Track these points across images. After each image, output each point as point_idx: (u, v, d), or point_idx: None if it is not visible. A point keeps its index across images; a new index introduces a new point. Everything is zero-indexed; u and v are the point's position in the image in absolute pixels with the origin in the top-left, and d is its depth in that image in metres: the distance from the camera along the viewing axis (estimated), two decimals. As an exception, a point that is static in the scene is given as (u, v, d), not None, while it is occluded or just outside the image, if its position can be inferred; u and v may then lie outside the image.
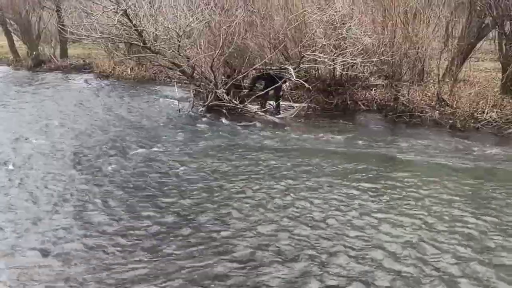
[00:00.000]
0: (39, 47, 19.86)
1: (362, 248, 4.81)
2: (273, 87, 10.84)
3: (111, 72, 17.15)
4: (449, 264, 4.48)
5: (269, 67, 11.10)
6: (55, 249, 4.84)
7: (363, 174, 6.96)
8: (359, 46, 9.40)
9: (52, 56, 19.47)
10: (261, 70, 11.24)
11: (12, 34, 20.42)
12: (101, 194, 6.30)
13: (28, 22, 19.40)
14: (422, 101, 10.88)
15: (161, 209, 5.84)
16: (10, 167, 7.33)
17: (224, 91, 11.01)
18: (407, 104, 10.61)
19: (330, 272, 4.38)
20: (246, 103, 11.00)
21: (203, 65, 10.94)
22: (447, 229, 5.19)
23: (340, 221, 5.43)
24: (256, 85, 11.45)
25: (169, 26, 10.35)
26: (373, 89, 11.83)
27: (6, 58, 21.28)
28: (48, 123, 10.07)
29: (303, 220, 5.47)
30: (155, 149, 8.35)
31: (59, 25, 18.24)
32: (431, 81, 12.06)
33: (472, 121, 9.91)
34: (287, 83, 11.53)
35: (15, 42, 20.85)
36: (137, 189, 6.50)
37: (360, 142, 8.80)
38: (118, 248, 4.86)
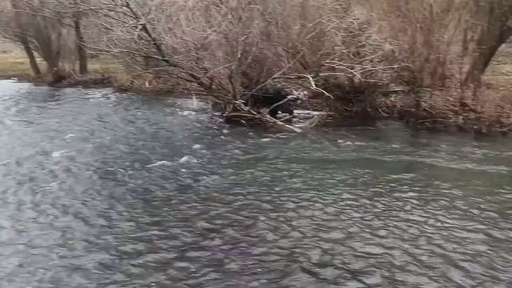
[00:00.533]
0: (59, 63, 20.19)
1: (428, 262, 4.67)
2: (276, 104, 10.84)
3: (129, 85, 17.31)
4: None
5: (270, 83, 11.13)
6: (83, 261, 4.85)
7: (393, 183, 6.85)
8: (379, 53, 9.29)
9: (72, 72, 19.78)
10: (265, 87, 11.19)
11: (33, 51, 20.81)
12: (125, 207, 6.30)
13: (48, 38, 19.74)
14: (445, 107, 10.69)
15: (187, 221, 5.80)
16: (35, 181, 7.39)
17: (243, 101, 10.99)
18: (430, 110, 10.45)
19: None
20: (264, 113, 10.95)
21: (221, 76, 10.95)
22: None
23: (392, 233, 5.31)
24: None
25: (187, 39, 10.38)
26: (394, 96, 11.69)
27: (27, 75, 21.69)
28: (69, 137, 10.15)
29: (343, 233, 5.36)
30: (176, 161, 8.33)
31: (78, 41, 18.58)
32: (453, 86, 11.86)
33: (498, 125, 9.70)
34: (299, 99, 11.51)
35: (35, 58, 21.23)
36: (161, 201, 6.49)
37: (381, 149, 8.69)
38: (145, 260, 4.83)
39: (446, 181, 6.88)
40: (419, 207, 5.98)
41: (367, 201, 6.21)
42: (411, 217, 5.70)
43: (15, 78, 21.71)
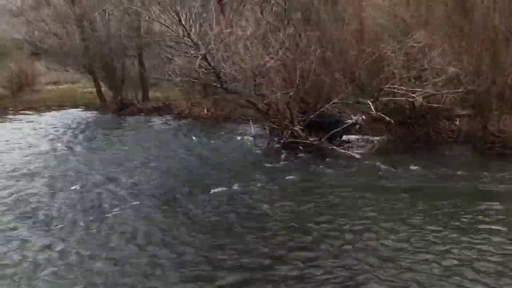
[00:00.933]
0: (123, 92, 21.17)
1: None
2: (334, 130, 10.72)
3: (188, 112, 17.79)
4: None
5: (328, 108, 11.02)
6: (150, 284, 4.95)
7: (460, 213, 6.55)
8: (442, 77, 8.99)
9: (135, 100, 20.68)
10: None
11: (99, 81, 21.98)
12: (188, 233, 6.42)
13: (113, 69, 20.81)
14: (516, 131, 10.13)
15: (248, 249, 5.81)
16: (101, 207, 7.70)
17: (300, 127, 10.97)
18: (498, 134, 9.92)
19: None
20: (322, 139, 10.84)
21: (279, 102, 11.03)
22: None
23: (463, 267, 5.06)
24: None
25: (245, 66, 10.59)
26: (458, 120, 11.22)
27: (93, 103, 22.88)
28: (133, 164, 10.54)
29: (410, 265, 5.17)
30: (235, 187, 8.40)
31: (141, 71, 19.48)
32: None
33: None
34: (357, 124, 11.34)
35: (101, 88, 22.38)
36: (222, 228, 6.57)
37: (446, 176, 8.33)
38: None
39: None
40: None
41: (446, 233, 5.93)
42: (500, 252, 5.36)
43: (83, 107, 22.96)
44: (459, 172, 8.49)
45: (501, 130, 9.89)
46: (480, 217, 6.44)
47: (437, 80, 9.13)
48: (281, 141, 11.23)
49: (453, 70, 8.95)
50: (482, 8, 10.01)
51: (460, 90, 9.37)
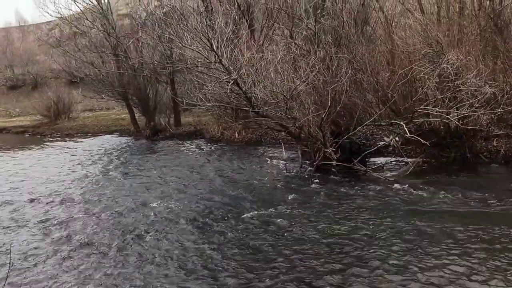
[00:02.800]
0: (155, 118, 21.66)
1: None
2: (367, 151, 10.67)
3: (220, 136, 18.03)
4: None
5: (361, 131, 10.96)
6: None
7: (495, 239, 6.28)
8: (479, 98, 8.80)
9: (167, 125, 21.11)
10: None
11: (133, 107, 22.59)
12: (224, 258, 6.40)
13: (146, 95, 21.40)
14: (558, 150, 9.79)
15: (283, 273, 5.75)
16: (136, 232, 7.79)
17: (333, 149, 10.91)
18: (538, 154, 9.59)
19: None
20: (355, 161, 10.72)
21: (310, 125, 11.03)
22: None
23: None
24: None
25: (277, 90, 10.68)
26: (496, 140, 10.92)
27: (127, 129, 23.49)
28: (168, 189, 10.67)
29: None
30: (269, 211, 8.36)
31: (173, 96, 19.91)
32: None
33: None
34: (390, 146, 11.20)
35: (135, 114, 22.99)
36: (255, 252, 6.52)
37: (486, 199, 8.02)
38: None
39: None
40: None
41: (456, 258, 5.72)
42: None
43: (117, 133, 23.60)
44: (496, 194, 8.19)
45: (541, 150, 9.57)
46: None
47: (473, 101, 8.92)
48: (314, 163, 11.18)
49: (489, 91, 8.74)
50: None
51: (498, 111, 9.12)
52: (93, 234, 7.78)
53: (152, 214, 8.70)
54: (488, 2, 11.56)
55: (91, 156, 16.65)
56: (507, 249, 5.95)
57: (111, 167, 14.35)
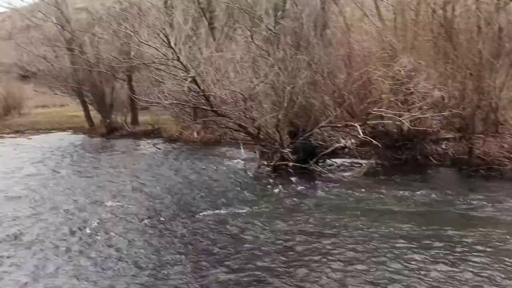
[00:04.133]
0: (112, 116, 21.12)
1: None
2: (323, 153, 10.87)
3: (178, 136, 17.79)
4: None
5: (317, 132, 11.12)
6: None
7: (442, 238, 6.51)
8: (428, 101, 9.14)
9: (124, 123, 20.62)
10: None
11: (88, 104, 21.95)
12: (176, 257, 6.31)
13: (102, 92, 20.82)
14: (500, 153, 10.27)
15: (235, 272, 5.72)
16: (86, 230, 7.58)
17: (290, 150, 11.01)
18: (483, 157, 10.06)
19: None
20: (311, 162, 10.86)
21: (268, 125, 11.08)
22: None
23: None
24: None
25: (235, 90, 10.66)
26: (445, 143, 11.37)
27: (82, 127, 22.78)
28: (121, 187, 10.44)
29: None
30: (224, 210, 8.34)
31: (130, 94, 19.48)
32: (507, 132, 11.44)
33: (561, 173, 9.18)
34: (346, 147, 11.43)
35: (90, 111, 22.34)
36: (209, 252, 6.47)
37: (434, 200, 8.35)
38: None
39: (505, 237, 6.44)
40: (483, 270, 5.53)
41: (424, 261, 5.82)
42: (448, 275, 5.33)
43: (71, 130, 22.85)
44: (444, 195, 8.54)
45: (485, 153, 10.03)
46: (463, 240, 6.42)
47: (422, 103, 9.25)
48: (271, 164, 11.23)
49: (438, 94, 9.10)
50: (466, 33, 10.25)
51: (445, 113, 9.50)
52: (40, 233, 7.50)
53: (103, 213, 8.49)
54: (441, 11, 12.03)
55: (42, 153, 16.03)
56: (445, 247, 6.17)
57: (63, 165, 13.89)
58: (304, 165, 10.78)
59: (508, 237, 6.42)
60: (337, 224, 7.26)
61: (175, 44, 10.44)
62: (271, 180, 10.49)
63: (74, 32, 20.09)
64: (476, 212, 7.59)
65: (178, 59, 10.66)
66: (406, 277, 5.36)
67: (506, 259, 5.67)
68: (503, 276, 5.26)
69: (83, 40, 19.97)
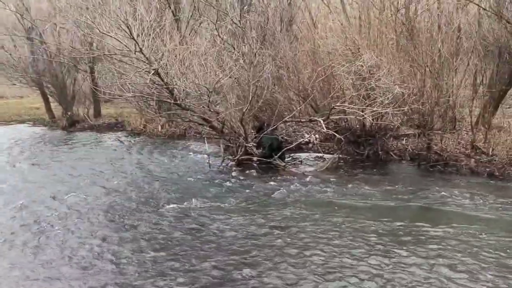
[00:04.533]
0: (73, 108, 20.54)
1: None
2: (286, 147, 10.99)
3: (142, 129, 17.51)
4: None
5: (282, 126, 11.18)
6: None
7: (400, 231, 6.73)
8: (388, 96, 9.35)
9: (86, 116, 20.10)
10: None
11: (48, 96, 21.27)
12: (134, 252, 6.23)
13: (63, 84, 20.17)
14: (456, 150, 10.65)
15: (196, 266, 5.70)
16: (42, 224, 7.38)
17: (254, 144, 11.03)
18: (441, 153, 10.39)
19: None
20: (275, 157, 10.91)
21: (232, 119, 11.05)
22: None
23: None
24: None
25: (200, 83, 10.56)
26: (405, 139, 11.67)
27: (42, 119, 22.07)
28: (82, 181, 10.19)
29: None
30: (187, 204, 8.28)
31: (92, 86, 18.99)
32: (464, 129, 11.87)
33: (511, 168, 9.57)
34: (310, 142, 11.55)
35: (50, 103, 21.66)
36: (170, 246, 6.42)
37: (393, 194, 8.58)
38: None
39: (461, 229, 6.70)
40: (414, 258, 5.79)
41: (377, 253, 6.01)
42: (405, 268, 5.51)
43: (30, 123, 22.09)
44: (403, 190, 8.80)
45: (443, 149, 10.34)
46: (419, 232, 6.66)
47: (383, 98, 9.45)
48: (235, 158, 11.22)
49: (398, 90, 9.31)
50: (426, 33, 10.53)
51: (405, 108, 9.74)
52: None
53: (61, 206, 8.28)
54: (404, 10, 12.32)
55: (-1, 146, 15.47)
56: (405, 241, 6.37)
57: (20, 158, 13.41)
58: (268, 160, 10.82)
59: (471, 230, 6.68)
60: (294, 218, 7.35)
61: (138, 36, 10.24)
62: (234, 174, 10.48)
63: (34, 21, 19.39)
64: (437, 206, 7.84)
65: (141, 51, 10.45)
66: (355, 260, 5.47)
67: (469, 248, 6.00)
68: (472, 265, 5.46)
69: (44, 30, 19.29)
